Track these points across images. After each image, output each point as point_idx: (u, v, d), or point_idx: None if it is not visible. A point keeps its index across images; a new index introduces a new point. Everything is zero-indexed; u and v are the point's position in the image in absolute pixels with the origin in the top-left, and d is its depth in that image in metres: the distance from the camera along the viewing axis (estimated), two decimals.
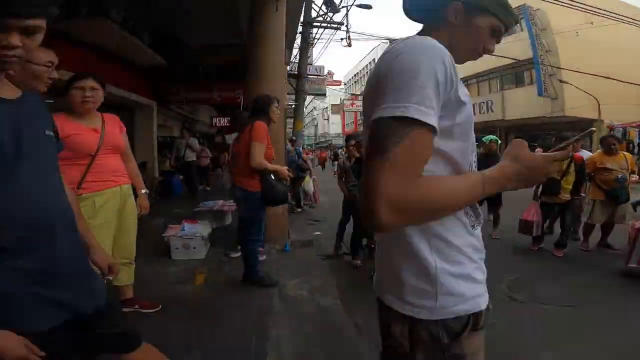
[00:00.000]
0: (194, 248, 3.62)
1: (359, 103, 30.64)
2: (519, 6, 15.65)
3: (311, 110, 50.41)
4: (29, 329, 0.82)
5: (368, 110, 0.71)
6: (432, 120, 0.59)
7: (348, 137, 4.28)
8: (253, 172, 2.64)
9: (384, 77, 0.63)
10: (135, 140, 7.63)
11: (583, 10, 9.01)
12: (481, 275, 0.77)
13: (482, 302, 0.75)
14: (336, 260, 3.94)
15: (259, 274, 2.90)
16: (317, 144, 48.98)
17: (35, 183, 0.86)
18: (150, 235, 3.85)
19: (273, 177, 2.65)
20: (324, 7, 8.80)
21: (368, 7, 8.59)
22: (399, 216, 0.58)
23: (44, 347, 0.82)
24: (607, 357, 2.13)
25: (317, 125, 53.05)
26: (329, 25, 9.19)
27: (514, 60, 15.08)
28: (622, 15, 10.02)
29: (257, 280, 2.88)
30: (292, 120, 10.31)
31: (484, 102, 19.20)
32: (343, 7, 8.71)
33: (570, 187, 3.94)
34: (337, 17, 9.20)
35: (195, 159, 8.01)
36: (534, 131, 17.12)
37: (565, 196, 3.96)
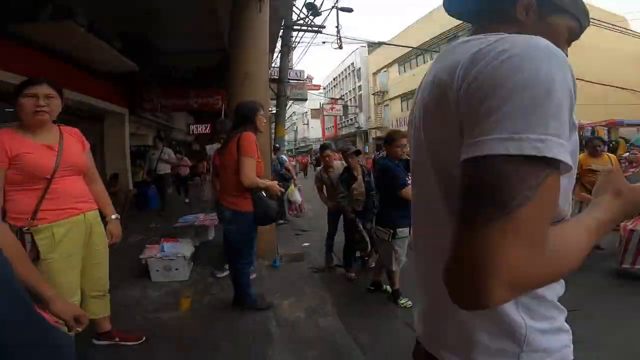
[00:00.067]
0: (176, 269, 3.32)
1: (338, 107, 30.75)
2: None
3: (291, 115, 50.18)
4: None
5: (431, 133, 0.55)
6: (570, 158, 0.42)
7: (322, 147, 4.02)
8: (244, 191, 2.36)
9: (486, 90, 0.43)
10: (106, 150, 7.18)
11: None
12: (565, 320, 0.63)
13: (570, 352, 0.61)
14: (329, 274, 3.75)
15: (251, 298, 2.65)
16: (297, 149, 48.75)
17: None
18: (126, 255, 3.52)
19: (265, 194, 2.40)
20: (305, 10, 8.67)
21: (349, 10, 8.53)
22: (517, 293, 0.42)
23: None
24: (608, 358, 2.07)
25: (296, 130, 52.83)
26: (310, 28, 9.05)
27: None
28: (593, 19, 10.49)
29: (250, 304, 2.64)
30: (273, 126, 10.07)
31: None
32: (324, 10, 8.61)
33: None
34: (318, 20, 9.08)
35: (169, 171, 7.37)
36: None
37: None
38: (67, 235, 1.69)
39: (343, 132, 35.91)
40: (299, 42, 10.08)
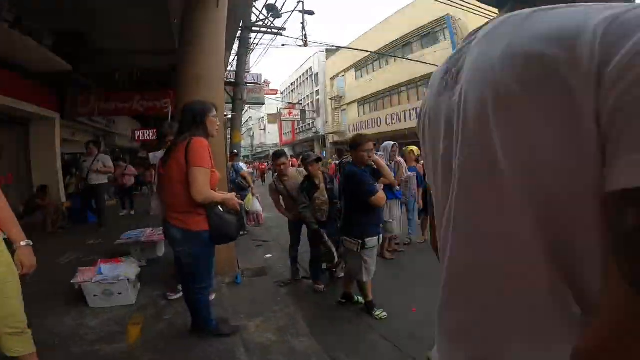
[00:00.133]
0: (119, 294, 2.89)
1: (296, 112, 30.63)
2: (443, 16, 17.16)
3: (247, 120, 49.11)
4: None
5: (517, 132, 0.39)
6: None
7: (276, 155, 3.64)
8: (196, 207, 1.98)
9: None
10: (32, 159, 6.29)
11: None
12: None
13: None
14: (296, 287, 3.53)
15: (212, 323, 2.32)
16: (254, 154, 47.73)
17: None
18: (58, 276, 3.03)
19: (221, 209, 2.06)
20: (265, 12, 8.38)
21: (311, 12, 8.41)
22: None
23: None
24: None
25: (253, 135, 51.73)
26: (270, 30, 8.78)
27: None
28: None
29: (212, 330, 2.32)
30: (229, 131, 9.62)
31: (413, 109, 20.55)
32: (285, 12, 8.40)
33: None
34: (278, 22, 8.87)
35: (104, 181, 6.28)
36: None
37: None
38: None
39: (301, 137, 35.83)
40: (257, 45, 9.79)
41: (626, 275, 0.29)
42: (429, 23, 18.95)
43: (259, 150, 47.55)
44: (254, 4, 8.21)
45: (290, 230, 3.70)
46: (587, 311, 0.36)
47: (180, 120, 2.17)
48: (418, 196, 4.67)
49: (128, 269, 3.06)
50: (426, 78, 19.83)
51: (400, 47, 21.23)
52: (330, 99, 29.86)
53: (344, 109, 28.59)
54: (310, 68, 33.07)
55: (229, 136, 9.09)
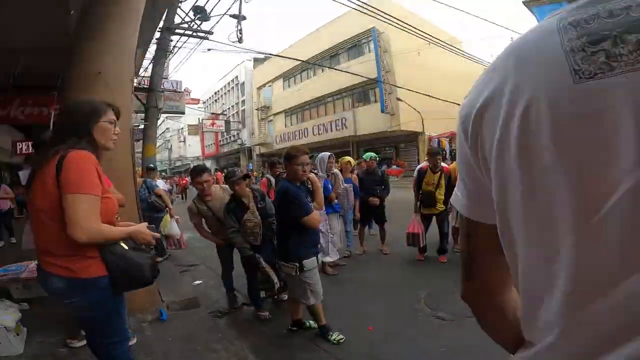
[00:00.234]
0: None
1: (220, 123, 29.15)
2: (369, 29, 18.14)
3: (164, 131, 45.13)
4: None
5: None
6: None
7: (195, 171, 3.15)
8: (81, 247, 1.33)
9: None
10: None
11: (416, 35, 10.78)
12: None
13: None
14: (236, 316, 3.07)
15: None
16: (172, 169, 43.92)
17: None
18: None
19: (126, 247, 1.45)
20: (191, 14, 7.63)
21: (243, 17, 7.89)
22: None
23: None
24: None
25: (171, 147, 47.63)
26: (195, 34, 8.02)
27: (363, 80, 17.19)
28: (443, 42, 12.54)
29: None
30: (141, 143, 8.46)
31: (339, 119, 21.26)
32: (215, 16, 7.73)
33: (443, 198, 4.28)
34: (206, 26, 8.13)
35: None
36: (379, 145, 20.00)
37: (441, 206, 4.30)
38: None
39: (225, 150, 34.23)
40: (180, 48, 8.88)
41: None
42: (355, 35, 19.95)
43: (178, 163, 43.96)
44: (179, 4, 7.47)
45: (221, 257, 3.25)
46: None
47: (56, 126, 1.59)
48: (355, 208, 4.61)
49: (6, 313, 2.38)
50: (351, 89, 20.81)
51: (329, 58, 21.92)
52: (257, 109, 29.27)
53: (271, 120, 28.26)
54: (237, 77, 32.08)
55: (141, 149, 8.00)
